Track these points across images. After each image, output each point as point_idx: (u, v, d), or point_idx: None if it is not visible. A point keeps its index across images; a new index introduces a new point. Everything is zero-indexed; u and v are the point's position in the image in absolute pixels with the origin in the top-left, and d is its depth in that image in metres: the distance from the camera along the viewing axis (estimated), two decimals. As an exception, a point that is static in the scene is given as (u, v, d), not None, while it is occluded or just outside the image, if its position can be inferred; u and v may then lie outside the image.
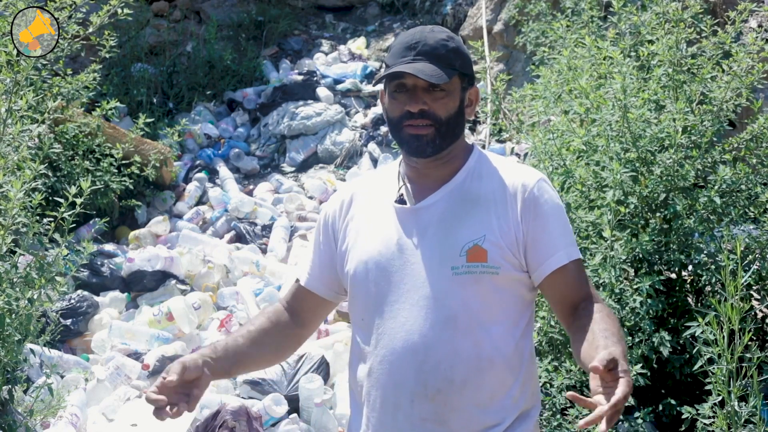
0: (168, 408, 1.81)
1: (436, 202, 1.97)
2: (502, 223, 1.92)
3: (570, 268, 1.94)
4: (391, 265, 1.95)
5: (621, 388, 1.67)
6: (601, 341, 1.78)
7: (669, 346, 3.33)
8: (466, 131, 7.20)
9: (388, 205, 2.01)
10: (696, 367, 3.01)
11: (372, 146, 7.40)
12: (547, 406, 3.41)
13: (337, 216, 2.09)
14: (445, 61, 1.93)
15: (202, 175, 7.05)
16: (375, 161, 7.23)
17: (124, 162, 5.98)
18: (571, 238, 1.97)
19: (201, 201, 6.80)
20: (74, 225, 3.34)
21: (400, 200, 2.00)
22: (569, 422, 3.33)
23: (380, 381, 1.95)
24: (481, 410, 1.91)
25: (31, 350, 3.96)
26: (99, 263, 5.32)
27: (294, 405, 4.08)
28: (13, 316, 3.06)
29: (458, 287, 1.90)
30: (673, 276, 3.61)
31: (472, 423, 1.91)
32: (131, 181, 6.03)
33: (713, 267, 3.40)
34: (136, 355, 4.51)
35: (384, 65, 2.01)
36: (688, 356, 3.38)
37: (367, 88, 8.19)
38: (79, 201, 3.15)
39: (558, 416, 3.37)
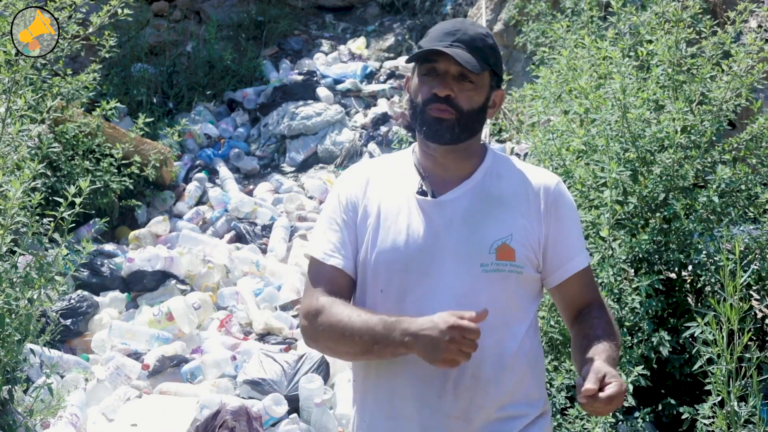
0: None
1: (459, 197, 1.97)
2: (526, 224, 1.96)
3: (586, 272, 2.02)
4: (418, 257, 1.93)
5: (612, 387, 1.77)
6: (592, 353, 1.88)
7: (669, 346, 3.33)
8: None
9: (409, 196, 1.99)
10: (696, 367, 3.01)
11: (372, 146, 7.40)
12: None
13: (359, 192, 2.01)
14: (481, 54, 1.94)
15: (202, 175, 7.05)
16: (375, 161, 7.22)
17: (124, 162, 5.98)
18: (584, 241, 2.04)
19: (201, 201, 6.80)
20: (74, 225, 3.33)
21: (422, 191, 1.99)
22: (569, 422, 3.33)
23: (405, 375, 1.93)
24: (499, 407, 1.93)
25: (31, 350, 3.96)
26: (99, 263, 5.32)
27: (294, 405, 4.08)
28: (13, 316, 3.05)
29: (486, 284, 1.91)
30: (673, 276, 3.61)
31: (492, 418, 1.93)
32: (131, 181, 6.03)
33: (713, 267, 3.40)
34: (136, 355, 4.51)
35: (418, 48, 2.00)
36: (687, 356, 3.39)
37: (367, 88, 8.19)
38: (78, 201, 3.15)
39: (558, 416, 3.37)
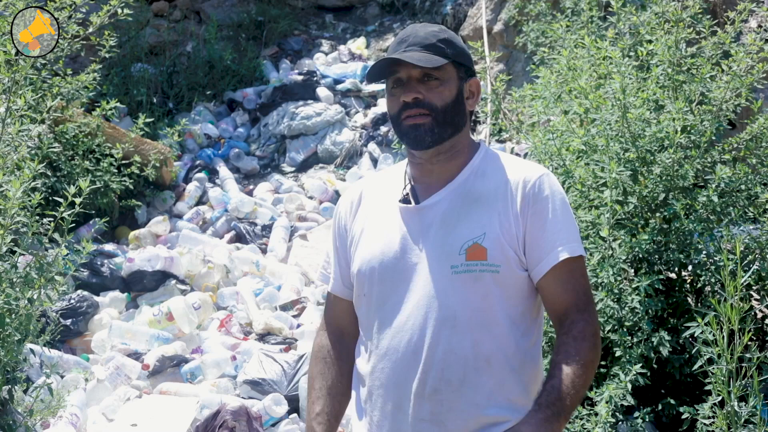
0: None
1: (439, 201, 1.97)
2: (503, 220, 1.91)
3: (563, 267, 1.92)
4: (393, 264, 1.95)
5: None
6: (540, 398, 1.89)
7: (669, 346, 3.33)
8: (466, 131, 7.20)
9: (393, 205, 2.01)
10: (696, 367, 3.01)
11: (372, 146, 7.40)
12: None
13: (348, 215, 2.10)
14: (435, 49, 1.95)
15: (202, 175, 7.05)
16: (375, 161, 7.23)
17: (124, 162, 5.98)
18: (573, 234, 1.95)
19: (201, 201, 6.81)
20: (74, 225, 3.34)
21: (405, 199, 2.00)
22: (569, 422, 3.33)
23: (381, 381, 1.95)
24: (479, 410, 1.89)
25: (31, 350, 3.96)
26: (99, 263, 5.32)
27: (294, 405, 4.08)
28: (13, 316, 3.06)
29: (458, 286, 1.89)
30: (673, 276, 3.61)
31: (470, 423, 1.90)
32: (131, 181, 6.03)
33: (713, 267, 3.39)
34: (136, 355, 4.51)
35: None
36: (687, 356, 3.38)
37: (367, 88, 8.19)
38: (78, 201, 3.15)
39: (558, 416, 3.37)
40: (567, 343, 1.90)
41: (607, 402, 3.21)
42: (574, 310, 1.92)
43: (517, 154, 6.36)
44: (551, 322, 2.04)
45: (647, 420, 3.31)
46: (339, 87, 8.14)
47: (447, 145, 1.97)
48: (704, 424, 3.01)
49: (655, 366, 3.38)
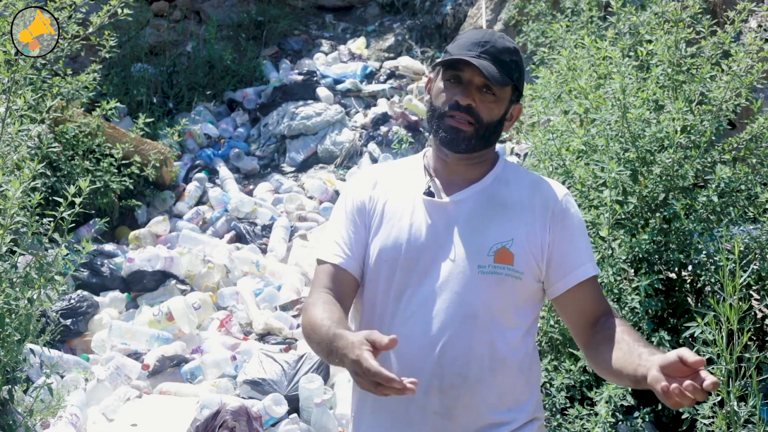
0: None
1: (465, 199, 2.00)
2: (529, 231, 1.97)
3: (593, 281, 2.01)
4: (418, 255, 1.97)
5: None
6: (643, 349, 1.82)
7: (669, 346, 3.33)
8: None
9: (416, 196, 2.03)
10: (695, 367, 3.00)
11: (372, 146, 7.40)
12: (546, 406, 3.41)
13: (366, 197, 2.07)
14: (506, 68, 1.97)
15: (202, 175, 7.05)
16: (375, 161, 7.23)
17: (124, 162, 5.98)
18: (592, 254, 2.03)
19: (201, 201, 6.80)
20: (74, 225, 3.33)
21: (429, 192, 2.03)
22: (569, 422, 3.33)
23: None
24: (490, 409, 1.95)
25: (31, 350, 3.96)
26: (99, 263, 5.32)
27: (294, 405, 4.08)
28: (13, 316, 3.06)
29: (482, 286, 1.93)
30: (673, 276, 3.61)
31: (480, 421, 1.94)
32: (131, 181, 6.03)
33: (712, 267, 3.40)
34: (136, 355, 4.51)
35: (445, 53, 2.03)
36: (687, 356, 3.38)
37: (367, 88, 8.19)
38: (78, 201, 3.15)
39: (558, 416, 3.38)
40: (615, 324, 1.92)
41: (606, 402, 3.21)
42: (610, 314, 1.98)
43: (517, 154, 6.36)
44: (572, 333, 2.06)
45: (647, 420, 3.32)
46: (339, 87, 8.14)
47: (476, 155, 2.02)
48: (704, 424, 3.01)
49: (655, 366, 3.37)
